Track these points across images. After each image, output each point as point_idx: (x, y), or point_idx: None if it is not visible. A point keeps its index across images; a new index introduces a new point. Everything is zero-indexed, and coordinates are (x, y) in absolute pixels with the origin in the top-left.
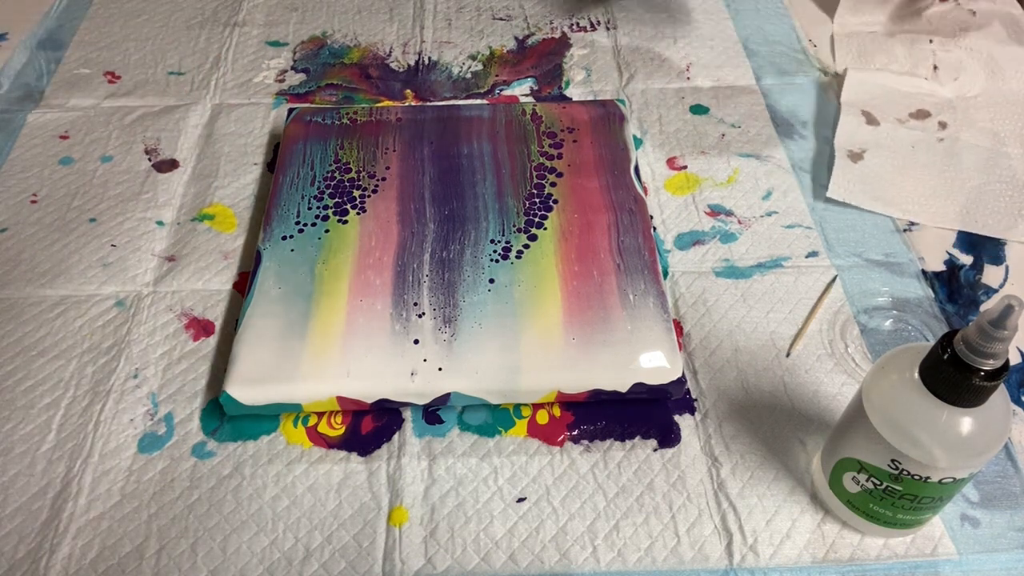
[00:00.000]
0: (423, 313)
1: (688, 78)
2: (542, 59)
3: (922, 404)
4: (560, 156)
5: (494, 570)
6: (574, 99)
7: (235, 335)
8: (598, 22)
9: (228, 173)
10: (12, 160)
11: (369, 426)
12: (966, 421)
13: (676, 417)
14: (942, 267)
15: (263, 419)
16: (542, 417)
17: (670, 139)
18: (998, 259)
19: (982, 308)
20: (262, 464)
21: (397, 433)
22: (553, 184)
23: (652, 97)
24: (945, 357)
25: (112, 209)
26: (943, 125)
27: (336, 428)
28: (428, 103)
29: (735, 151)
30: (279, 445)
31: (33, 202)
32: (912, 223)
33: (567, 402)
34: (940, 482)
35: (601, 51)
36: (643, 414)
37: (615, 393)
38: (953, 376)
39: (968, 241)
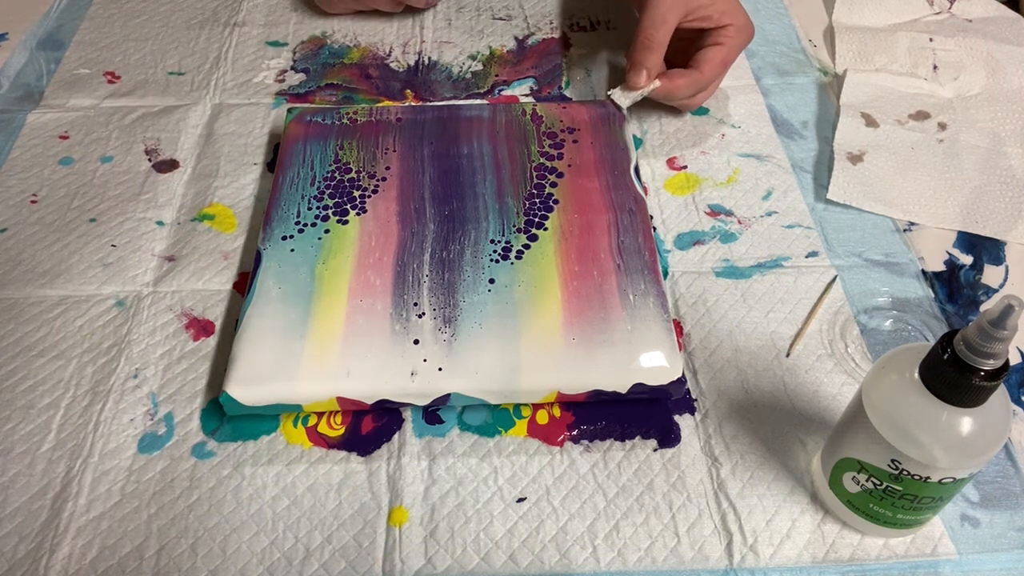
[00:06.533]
0: (423, 313)
1: None
2: (542, 59)
3: (922, 404)
4: (560, 156)
5: (494, 570)
6: (574, 99)
7: (235, 335)
8: (598, 22)
9: (228, 173)
10: (12, 160)
11: (369, 426)
12: (966, 421)
13: (676, 417)
14: (942, 267)
15: (263, 419)
16: (542, 417)
17: (670, 139)
18: (998, 259)
19: (982, 308)
20: (262, 464)
21: (397, 433)
22: (553, 184)
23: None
24: (945, 357)
25: (112, 209)
26: (943, 126)
27: (336, 428)
28: (428, 103)
29: (735, 151)
30: (279, 445)
31: (33, 202)
32: (912, 223)
33: (567, 402)
34: (940, 482)
35: (601, 51)
36: (643, 414)
37: (615, 394)
38: (953, 376)
39: (968, 241)
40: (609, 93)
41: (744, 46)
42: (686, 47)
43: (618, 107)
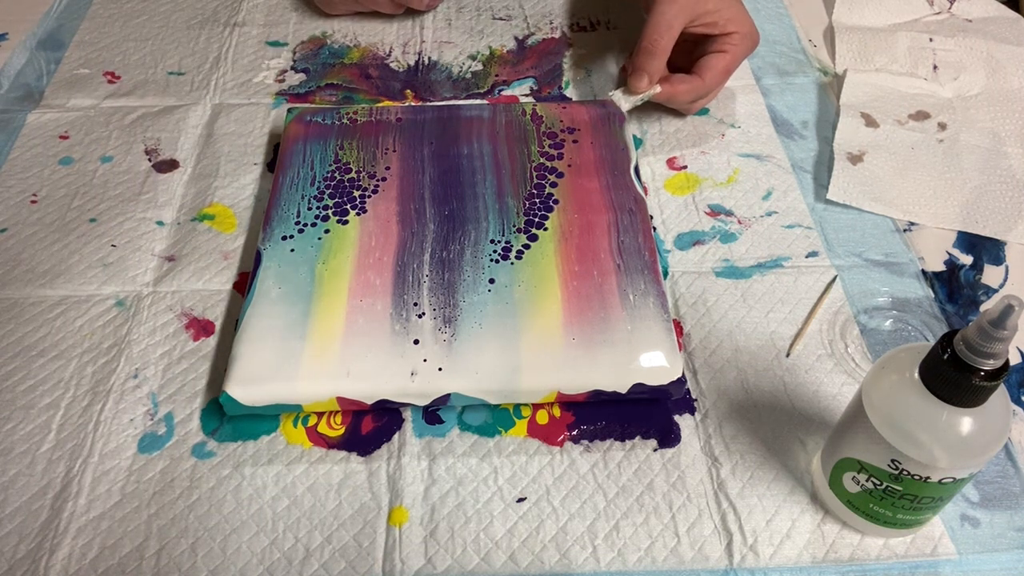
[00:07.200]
0: (423, 313)
1: None
2: (542, 59)
3: (922, 404)
4: (560, 156)
5: (494, 570)
6: (574, 99)
7: (235, 335)
8: (598, 22)
9: (228, 173)
10: (12, 160)
11: (369, 426)
12: (966, 421)
13: (676, 417)
14: (942, 267)
15: (263, 419)
16: (542, 417)
17: (670, 139)
18: (998, 259)
19: (982, 308)
20: (262, 464)
21: (397, 433)
22: (554, 184)
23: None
24: (945, 357)
25: (112, 209)
26: (943, 126)
27: (336, 428)
28: (428, 103)
29: (735, 151)
30: (279, 445)
31: (33, 202)
32: (912, 223)
33: (567, 402)
34: (940, 482)
35: (601, 51)
36: (643, 414)
37: (615, 394)
38: (953, 376)
39: (968, 241)
40: (611, 95)
41: (748, 54)
42: (691, 48)
43: (618, 108)
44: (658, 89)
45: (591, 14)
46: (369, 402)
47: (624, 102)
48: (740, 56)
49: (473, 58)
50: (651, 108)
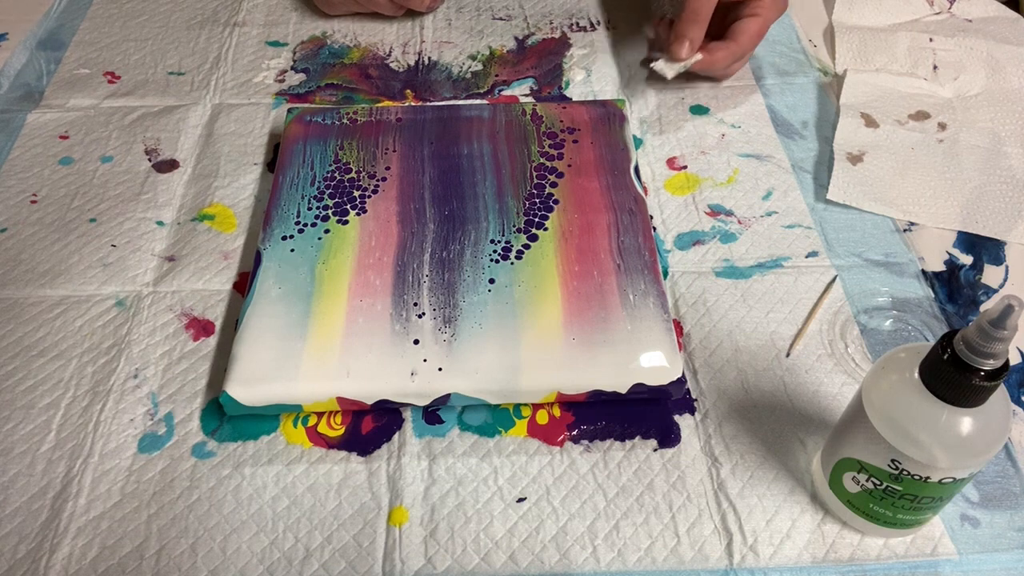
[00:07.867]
0: (423, 313)
1: None
2: (542, 59)
3: (922, 404)
4: (560, 156)
5: (494, 570)
6: (574, 99)
7: (235, 335)
8: (598, 22)
9: (228, 173)
10: (12, 160)
11: (369, 426)
12: (966, 421)
13: (676, 417)
14: (942, 267)
15: (263, 419)
16: (542, 417)
17: (670, 139)
18: (998, 259)
19: (982, 308)
20: (262, 464)
21: (397, 433)
22: (554, 184)
23: (652, 97)
24: (945, 357)
25: (112, 209)
26: (943, 126)
27: (336, 428)
28: (428, 103)
29: (735, 151)
30: (279, 445)
31: (33, 202)
32: (912, 223)
33: (567, 402)
34: (940, 482)
35: (601, 51)
36: (643, 414)
37: (615, 394)
38: (953, 376)
39: (968, 241)
40: (652, 65)
41: (779, 16)
42: (720, 17)
43: (662, 77)
44: (699, 56)
45: (591, 14)
46: (369, 402)
47: (668, 70)
48: (771, 19)
49: (473, 58)
50: (651, 107)
